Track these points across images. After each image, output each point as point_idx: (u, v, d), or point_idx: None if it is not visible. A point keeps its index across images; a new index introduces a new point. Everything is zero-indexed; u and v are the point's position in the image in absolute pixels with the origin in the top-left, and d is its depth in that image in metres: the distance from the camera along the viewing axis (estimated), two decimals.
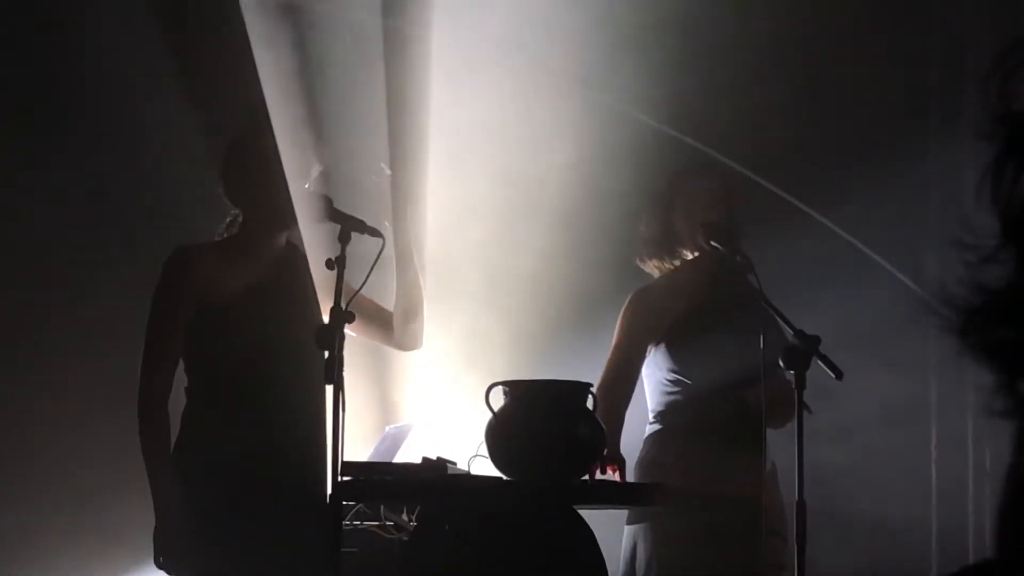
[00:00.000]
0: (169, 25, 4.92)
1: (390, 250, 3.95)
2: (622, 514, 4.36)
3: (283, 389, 3.88)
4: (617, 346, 4.45)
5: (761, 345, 4.04)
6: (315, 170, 4.02)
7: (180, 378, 3.96)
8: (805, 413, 3.85)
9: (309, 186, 3.99)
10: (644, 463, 4.35)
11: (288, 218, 3.94)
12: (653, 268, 4.54)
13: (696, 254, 4.45)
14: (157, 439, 3.85)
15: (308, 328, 3.74)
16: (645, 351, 4.44)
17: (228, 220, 4.05)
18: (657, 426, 4.40)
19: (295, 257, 4.00)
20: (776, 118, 5.34)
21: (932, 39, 5.68)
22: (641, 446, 4.40)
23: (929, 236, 5.40)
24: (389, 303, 4.19)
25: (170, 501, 3.78)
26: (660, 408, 4.41)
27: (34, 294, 5.07)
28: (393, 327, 4.20)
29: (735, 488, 4.19)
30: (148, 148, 5.00)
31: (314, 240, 3.97)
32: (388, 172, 4.24)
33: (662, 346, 4.41)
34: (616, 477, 4.18)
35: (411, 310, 4.20)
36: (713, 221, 4.39)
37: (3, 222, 5.05)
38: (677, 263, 4.49)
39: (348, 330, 3.68)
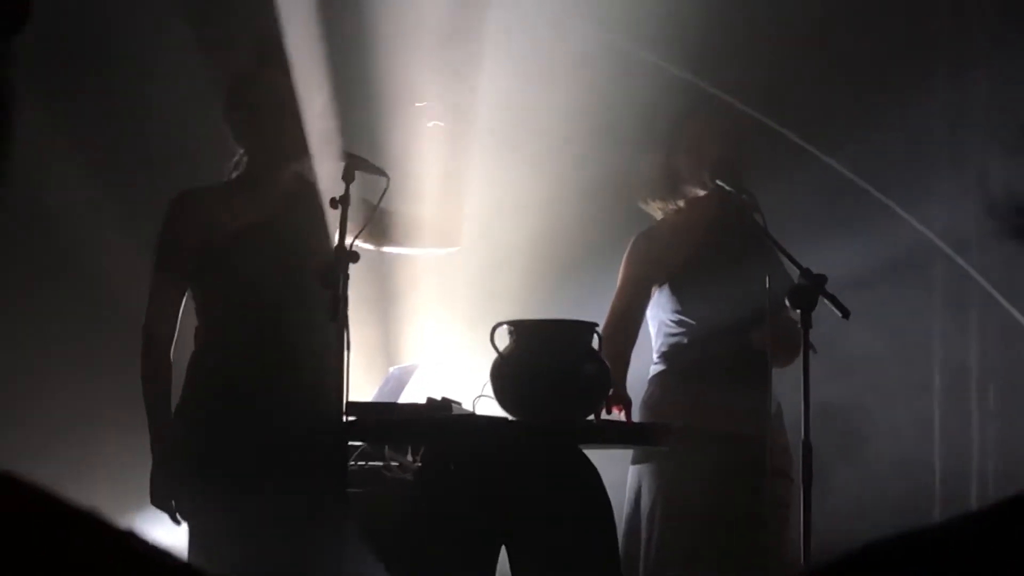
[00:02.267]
0: None
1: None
2: (627, 454, 4.36)
3: (293, 329, 3.85)
4: (621, 288, 4.43)
5: (766, 284, 4.02)
6: (317, 107, 3.98)
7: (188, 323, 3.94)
8: (811, 353, 3.82)
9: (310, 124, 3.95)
10: (649, 403, 4.34)
11: (298, 152, 3.89)
12: (656, 209, 4.51)
13: (701, 194, 4.42)
14: (159, 382, 3.84)
15: (321, 263, 3.70)
16: (649, 292, 4.42)
17: (235, 159, 4.00)
18: (662, 366, 4.39)
19: (307, 191, 3.95)
20: (782, 58, 5.29)
21: None
22: (646, 386, 4.39)
23: (936, 177, 5.38)
24: None
25: (168, 444, 3.78)
26: (665, 349, 4.40)
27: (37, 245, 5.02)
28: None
29: (740, 428, 4.19)
30: (157, 89, 4.94)
31: (317, 178, 3.93)
32: (441, 125, 4.20)
33: (666, 287, 4.39)
34: (622, 417, 4.17)
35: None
36: (718, 160, 4.35)
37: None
38: (681, 203, 4.46)
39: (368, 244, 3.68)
